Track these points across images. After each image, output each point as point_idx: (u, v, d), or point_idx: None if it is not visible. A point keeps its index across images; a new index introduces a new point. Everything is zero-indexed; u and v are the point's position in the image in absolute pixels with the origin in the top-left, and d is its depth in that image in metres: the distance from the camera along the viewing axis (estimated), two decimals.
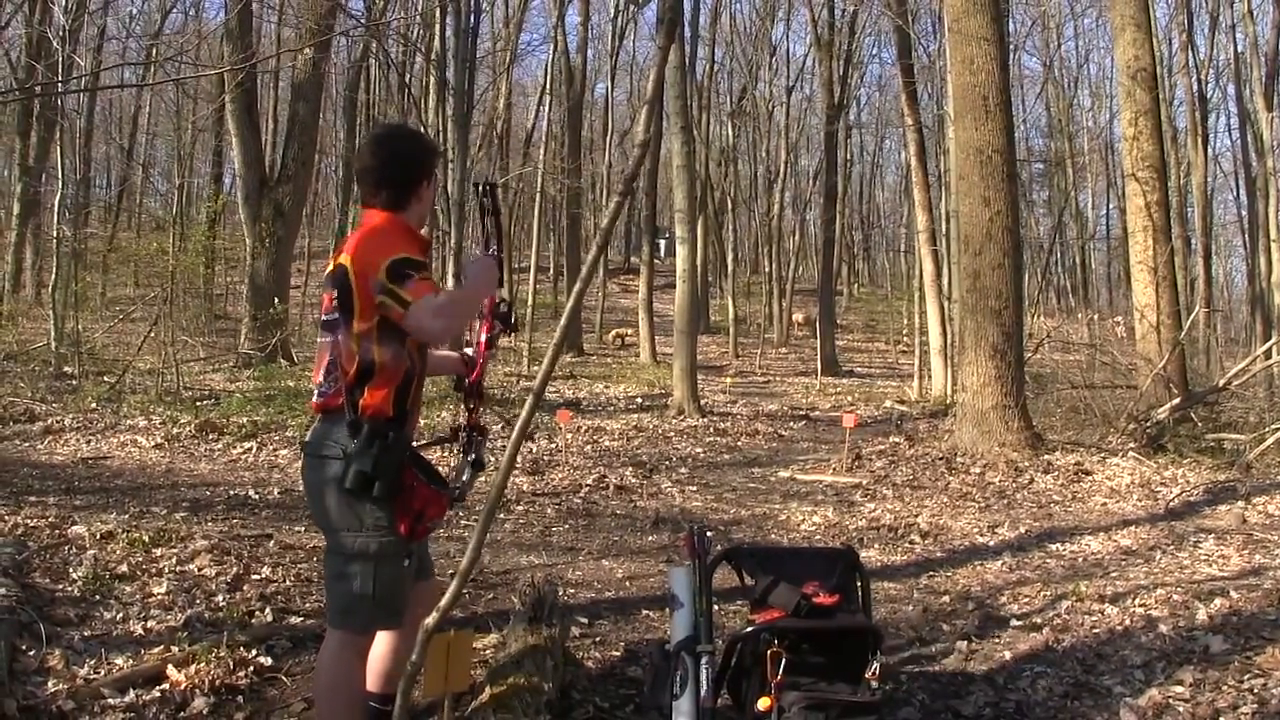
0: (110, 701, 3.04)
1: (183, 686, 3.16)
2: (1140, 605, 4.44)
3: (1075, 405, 10.68)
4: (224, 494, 6.89)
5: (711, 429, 11.76)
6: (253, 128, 16.89)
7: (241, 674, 3.31)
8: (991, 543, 6.23)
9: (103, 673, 3.24)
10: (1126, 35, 11.47)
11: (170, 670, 3.24)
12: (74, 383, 12.14)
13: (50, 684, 3.12)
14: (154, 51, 18.51)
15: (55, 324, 13.84)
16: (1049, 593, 4.86)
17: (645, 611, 4.57)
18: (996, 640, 4.20)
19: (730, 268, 28.94)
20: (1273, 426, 8.83)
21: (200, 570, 4.51)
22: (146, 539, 4.89)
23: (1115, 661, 3.80)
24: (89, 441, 8.92)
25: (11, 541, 4.60)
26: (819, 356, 21.25)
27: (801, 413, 14.07)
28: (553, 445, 9.78)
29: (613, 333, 25.26)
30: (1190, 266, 21.60)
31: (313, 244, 26.26)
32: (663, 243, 30.73)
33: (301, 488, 3.17)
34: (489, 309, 2.78)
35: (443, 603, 2.23)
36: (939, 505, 7.39)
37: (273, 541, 5.29)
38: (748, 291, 31.84)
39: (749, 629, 2.84)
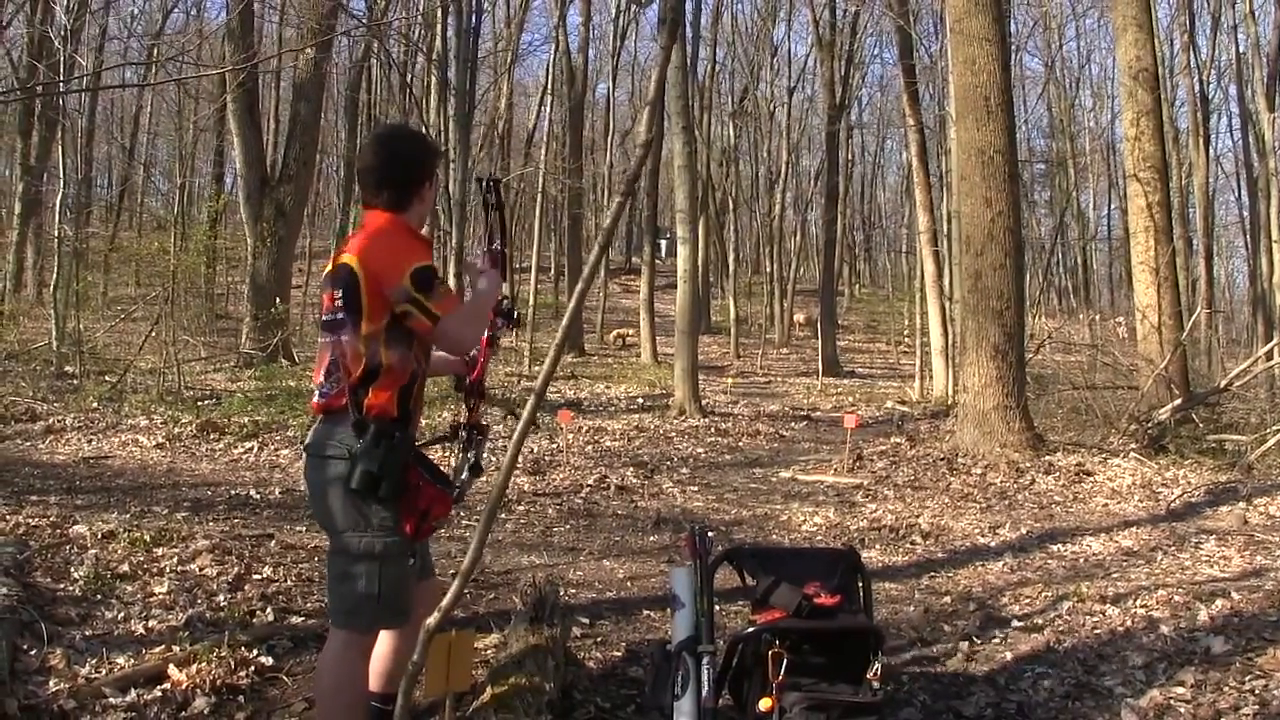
0: (111, 701, 3.05)
1: (184, 686, 3.16)
2: (1142, 606, 4.43)
3: (1077, 406, 10.68)
4: (225, 494, 6.90)
5: (713, 429, 11.76)
6: (254, 127, 16.91)
7: (243, 674, 3.31)
8: (993, 543, 6.23)
9: (104, 672, 3.24)
10: (1128, 36, 11.47)
11: (171, 670, 3.24)
12: (75, 382, 12.15)
13: (52, 683, 3.12)
14: (155, 51, 18.49)
15: (57, 323, 13.86)
16: (1050, 593, 4.85)
17: (646, 612, 4.57)
18: (998, 641, 4.20)
19: (731, 268, 28.96)
20: (1274, 428, 8.84)
21: (201, 570, 4.51)
22: (148, 538, 4.90)
23: (1117, 662, 3.80)
24: (90, 441, 8.94)
25: (13, 541, 4.61)
26: (820, 357, 21.23)
27: (803, 413, 14.07)
28: (554, 445, 9.78)
29: (614, 333, 25.24)
30: (1192, 267, 21.59)
31: (314, 244, 26.25)
32: (664, 243, 30.69)
33: (303, 488, 3.17)
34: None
35: (444, 603, 2.23)
36: (940, 506, 7.39)
37: (274, 541, 5.30)
38: (749, 292, 31.84)
39: (750, 629, 2.83)
